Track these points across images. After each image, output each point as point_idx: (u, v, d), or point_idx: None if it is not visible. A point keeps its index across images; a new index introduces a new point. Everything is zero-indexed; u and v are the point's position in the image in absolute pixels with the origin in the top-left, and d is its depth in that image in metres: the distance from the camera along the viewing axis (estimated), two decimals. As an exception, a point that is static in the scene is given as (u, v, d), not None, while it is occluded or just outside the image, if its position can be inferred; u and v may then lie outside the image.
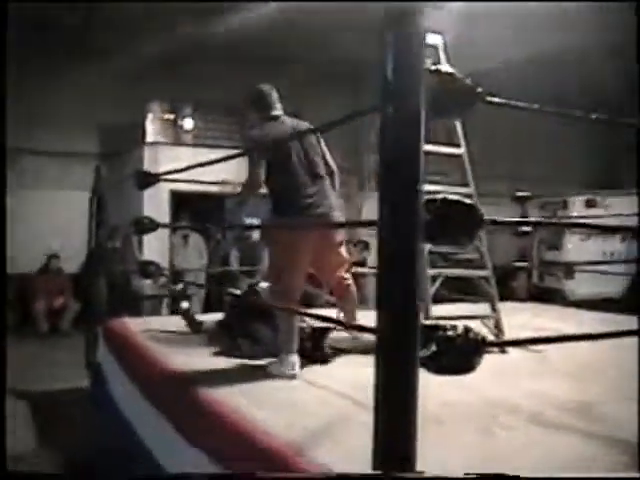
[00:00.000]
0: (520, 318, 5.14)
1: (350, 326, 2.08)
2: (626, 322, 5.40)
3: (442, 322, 1.83)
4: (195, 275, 9.82)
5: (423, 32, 1.51)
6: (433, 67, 1.93)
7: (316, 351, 3.80)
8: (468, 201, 1.79)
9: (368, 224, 2.03)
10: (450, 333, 1.81)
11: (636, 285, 10.54)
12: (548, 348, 4.00)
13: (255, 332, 3.95)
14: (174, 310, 8.99)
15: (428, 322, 1.74)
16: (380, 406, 1.55)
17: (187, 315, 4.91)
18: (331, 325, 4.02)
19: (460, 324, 1.87)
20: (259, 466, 2.31)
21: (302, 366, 3.57)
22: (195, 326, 4.79)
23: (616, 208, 10.25)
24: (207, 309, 8.86)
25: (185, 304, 5.08)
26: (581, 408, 2.78)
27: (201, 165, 3.72)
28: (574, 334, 1.84)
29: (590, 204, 10.94)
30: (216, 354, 4.02)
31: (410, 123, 1.53)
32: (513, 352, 3.95)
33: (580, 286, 10.49)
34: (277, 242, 3.77)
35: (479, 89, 1.90)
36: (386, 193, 1.59)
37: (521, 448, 2.30)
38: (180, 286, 8.81)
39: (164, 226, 6.29)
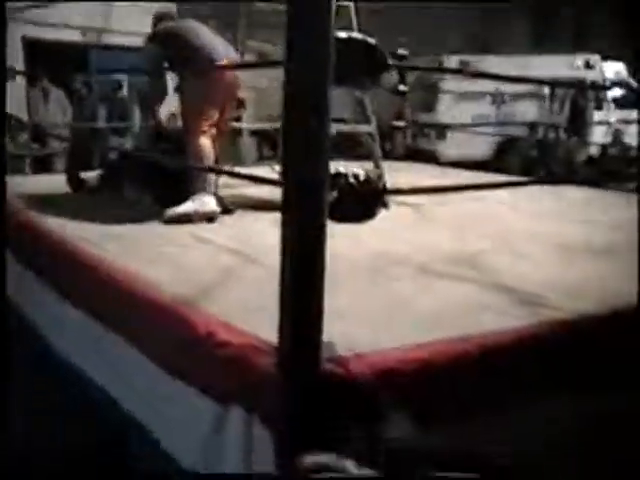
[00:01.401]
0: (399, 176, 5.22)
1: (255, 178, 1.98)
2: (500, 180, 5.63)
3: (343, 170, 1.77)
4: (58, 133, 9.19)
5: None
6: None
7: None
8: (373, 41, 1.69)
9: (273, 64, 1.88)
10: (352, 181, 1.77)
11: (503, 147, 11.03)
12: (427, 203, 4.09)
13: (146, 180, 3.79)
14: (39, 169, 8.46)
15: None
16: (288, 259, 1.48)
17: (72, 173, 4.62)
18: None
19: (361, 172, 1.82)
20: (148, 321, 2.24)
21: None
22: (77, 184, 4.52)
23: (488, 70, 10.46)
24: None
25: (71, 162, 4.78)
26: (466, 259, 2.87)
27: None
28: (466, 184, 1.84)
29: (464, 66, 11.07)
30: (99, 209, 3.80)
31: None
32: (394, 208, 4.00)
33: (451, 148, 10.80)
34: (195, 86, 3.72)
35: None
36: (296, 33, 1.45)
37: (413, 296, 2.34)
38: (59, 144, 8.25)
39: (22, 73, 5.74)
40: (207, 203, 3.55)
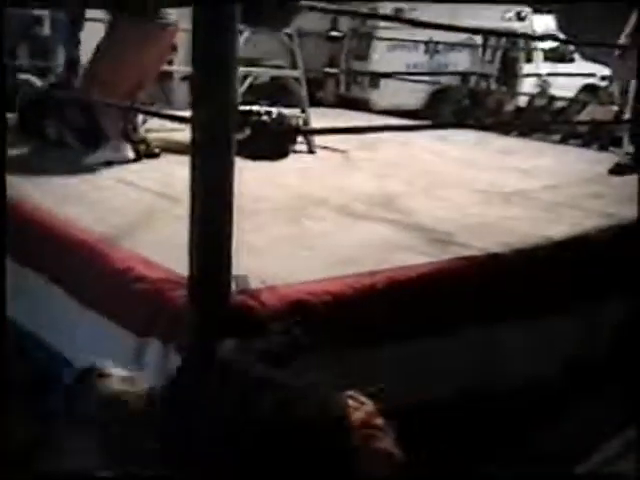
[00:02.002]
0: (327, 122, 5.23)
1: (167, 116, 1.99)
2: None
3: (257, 108, 1.81)
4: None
5: None
6: None
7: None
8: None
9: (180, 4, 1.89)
10: (265, 118, 1.81)
11: (436, 97, 11.12)
12: (352, 148, 4.14)
13: (65, 118, 3.71)
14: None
15: (242, 108, 1.71)
16: (197, 193, 1.52)
17: None
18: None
19: (275, 110, 1.86)
20: (70, 259, 2.25)
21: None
22: None
23: (422, 18, 10.42)
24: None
25: None
26: (384, 201, 2.96)
27: None
28: (380, 125, 1.90)
29: (398, 13, 11.02)
30: (20, 151, 3.72)
31: None
32: (320, 153, 4.04)
33: (384, 96, 10.80)
34: (126, 36, 3.38)
35: None
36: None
37: (331, 234, 2.42)
38: None
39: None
40: (120, 150, 3.47)
